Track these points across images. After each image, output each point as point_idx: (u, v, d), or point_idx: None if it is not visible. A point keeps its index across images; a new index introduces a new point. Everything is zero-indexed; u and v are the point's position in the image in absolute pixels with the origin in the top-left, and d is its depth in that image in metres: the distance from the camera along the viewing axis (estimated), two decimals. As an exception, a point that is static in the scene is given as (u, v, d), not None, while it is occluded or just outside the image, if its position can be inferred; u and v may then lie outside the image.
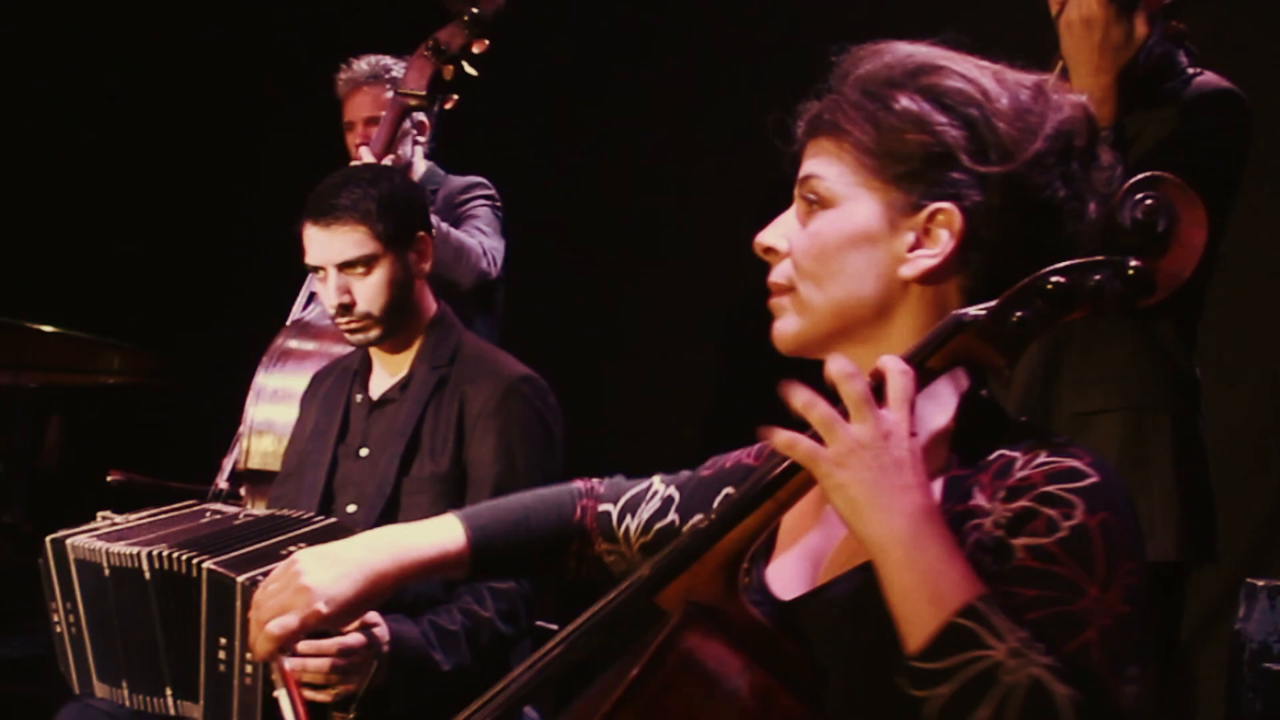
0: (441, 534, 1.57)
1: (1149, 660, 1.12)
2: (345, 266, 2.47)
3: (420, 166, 3.51)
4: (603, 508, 1.64)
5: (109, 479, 3.31)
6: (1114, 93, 2.11)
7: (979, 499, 1.19)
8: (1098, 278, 1.17)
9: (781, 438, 1.16)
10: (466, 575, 1.61)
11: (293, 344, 3.15)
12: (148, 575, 2.17)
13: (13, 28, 5.15)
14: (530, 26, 3.46)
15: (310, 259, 2.51)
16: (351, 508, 2.53)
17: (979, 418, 1.26)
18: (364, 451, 2.57)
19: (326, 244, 2.47)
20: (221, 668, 2.14)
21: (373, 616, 2.13)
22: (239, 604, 2.06)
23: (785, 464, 1.19)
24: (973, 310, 1.18)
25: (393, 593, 1.56)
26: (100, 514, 2.38)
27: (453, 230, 3.40)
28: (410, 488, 2.50)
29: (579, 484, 1.68)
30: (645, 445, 4.19)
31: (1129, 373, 2.29)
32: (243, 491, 3.18)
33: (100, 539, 2.26)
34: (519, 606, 2.41)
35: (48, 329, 3.91)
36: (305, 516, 2.34)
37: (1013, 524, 1.15)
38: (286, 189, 2.74)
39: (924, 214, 1.25)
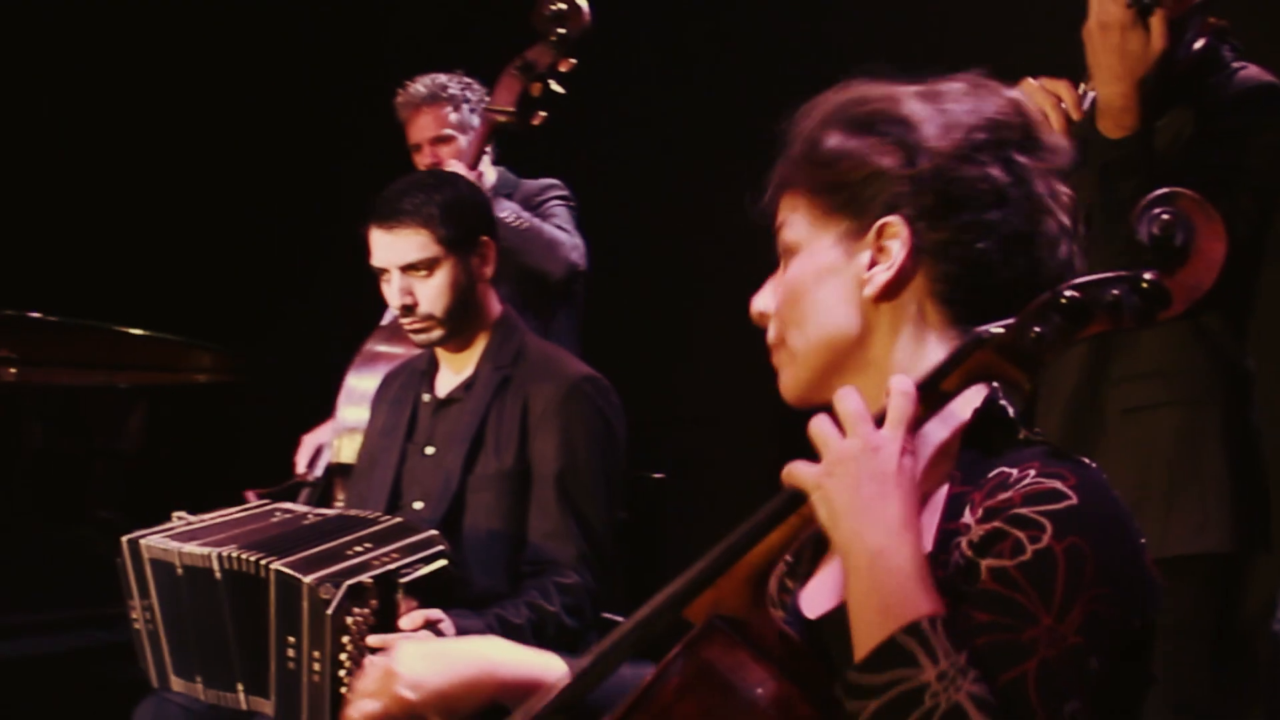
0: (544, 663, 1.56)
1: (1098, 693, 1.10)
2: (408, 269, 2.54)
3: (490, 174, 3.57)
4: None
5: (246, 498, 3.39)
6: (1135, 100, 2.12)
7: (967, 517, 1.18)
8: (1115, 292, 1.18)
9: (788, 466, 1.20)
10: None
11: (381, 347, 3.26)
12: (218, 574, 2.24)
13: (100, 34, 5.35)
14: (609, 37, 3.51)
15: (375, 261, 2.58)
16: (418, 504, 2.60)
17: (988, 433, 1.26)
18: (430, 449, 2.63)
19: (390, 246, 2.54)
20: (290, 665, 2.19)
21: (437, 614, 2.21)
22: (305, 604, 2.13)
23: (789, 494, 1.22)
24: (992, 328, 1.19)
25: (487, 694, 1.55)
26: (175, 514, 2.45)
27: (545, 224, 3.50)
28: (475, 485, 2.56)
29: None
30: (718, 440, 4.26)
31: (1179, 367, 2.29)
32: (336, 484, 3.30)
33: (173, 539, 2.33)
34: (584, 601, 2.46)
35: (137, 331, 4.03)
36: (371, 516, 2.40)
37: (982, 544, 1.14)
38: (368, 191, 2.82)
39: (872, 232, 1.27)
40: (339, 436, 3.25)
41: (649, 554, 2.90)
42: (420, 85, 3.69)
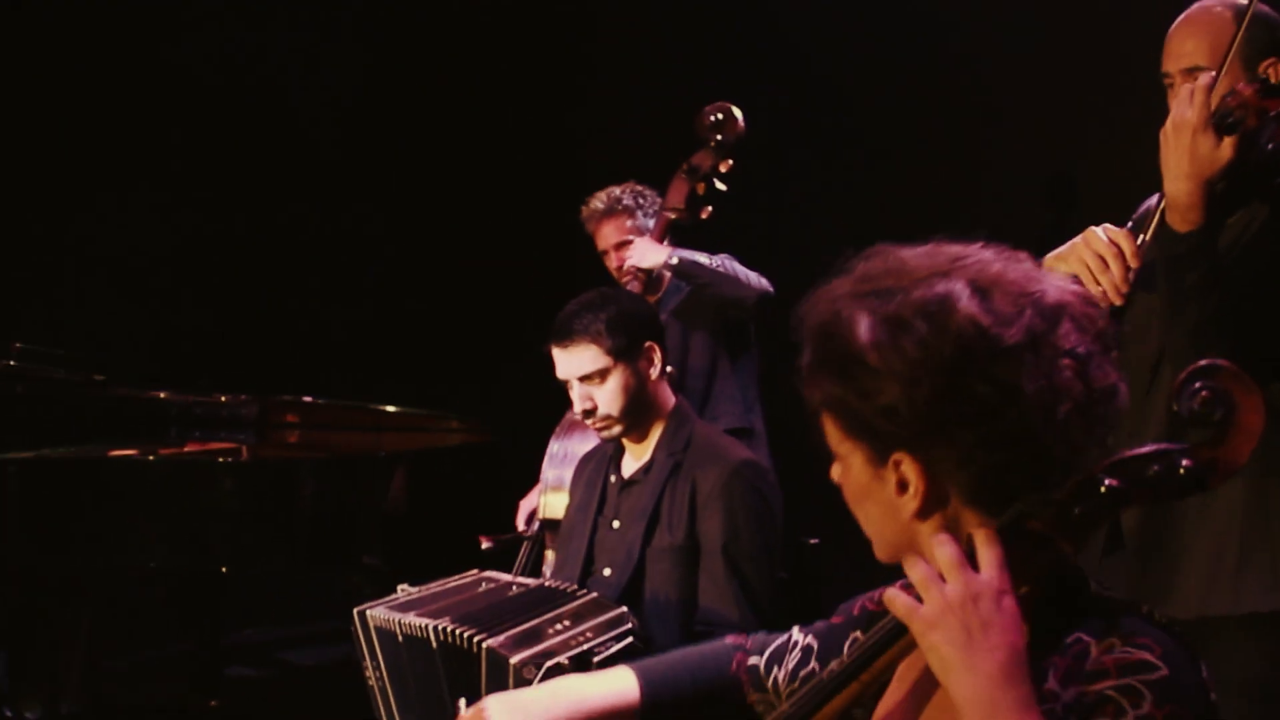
0: (618, 686, 1.70)
1: None
2: (584, 379, 2.84)
3: (698, 254, 3.89)
4: (752, 661, 1.71)
5: (482, 545, 3.78)
6: (1201, 198, 2.17)
7: (1052, 683, 1.22)
8: (1155, 469, 1.20)
9: (889, 592, 1.25)
10: None
11: (577, 418, 3.68)
12: (434, 645, 2.45)
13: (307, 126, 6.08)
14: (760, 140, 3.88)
15: (558, 374, 2.89)
16: (607, 571, 2.89)
17: (1059, 595, 1.28)
18: (616, 524, 2.93)
19: (567, 361, 2.86)
20: None
21: None
22: (511, 680, 2.30)
23: (894, 623, 1.27)
24: (1035, 500, 1.22)
25: None
26: (400, 587, 2.70)
27: (734, 263, 3.83)
28: (653, 557, 2.82)
29: (731, 639, 1.78)
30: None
31: None
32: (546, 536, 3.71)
33: (395, 610, 2.57)
34: None
35: (391, 409, 4.60)
36: (569, 590, 2.62)
37: (1087, 709, 1.19)
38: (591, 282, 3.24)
39: (889, 465, 1.29)
40: (544, 494, 3.64)
41: (808, 610, 3.16)
42: (598, 201, 4.09)
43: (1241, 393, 1.19)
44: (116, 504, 4.01)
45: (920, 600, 1.21)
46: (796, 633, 1.69)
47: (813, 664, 1.64)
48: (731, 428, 3.76)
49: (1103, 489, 1.19)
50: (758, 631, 1.80)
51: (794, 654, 1.67)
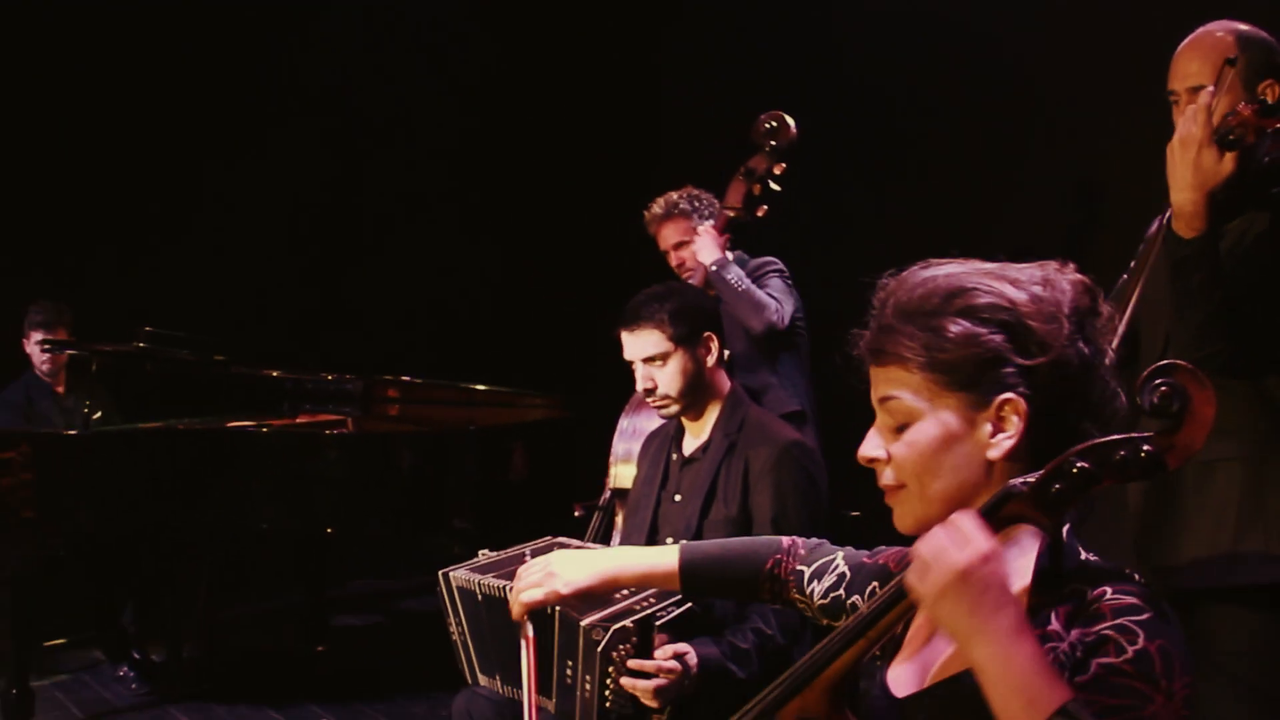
0: (661, 557, 1.95)
1: None
2: (647, 360, 3.03)
3: (731, 271, 4.16)
4: (799, 567, 1.91)
5: (575, 513, 4.03)
6: (1204, 207, 2.32)
7: (1055, 625, 1.35)
8: (1121, 454, 1.30)
9: (907, 579, 1.36)
10: (681, 590, 1.97)
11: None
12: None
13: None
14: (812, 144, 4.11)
15: (625, 355, 3.09)
16: (669, 540, 3.01)
17: (1056, 560, 1.41)
18: (678, 497, 3.08)
19: (632, 344, 3.06)
20: (568, 681, 2.49)
21: (684, 647, 2.57)
22: (581, 640, 2.43)
23: (885, 598, 1.42)
24: (1018, 483, 1.34)
25: (615, 589, 2.03)
26: (481, 551, 2.77)
27: (757, 290, 4.10)
28: (709, 528, 2.96)
29: (785, 541, 1.95)
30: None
31: (1248, 428, 2.46)
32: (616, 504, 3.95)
33: (476, 572, 2.66)
34: (795, 622, 2.81)
35: (480, 386, 4.86)
36: None
37: (1089, 647, 1.31)
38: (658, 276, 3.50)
39: (993, 407, 1.42)
40: (614, 466, 3.89)
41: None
42: (657, 206, 4.39)
43: (1196, 387, 1.27)
44: (234, 471, 4.32)
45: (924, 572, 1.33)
46: (840, 557, 1.89)
47: (840, 591, 1.84)
48: (784, 412, 4.00)
49: (1075, 470, 1.30)
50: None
51: (831, 575, 1.87)
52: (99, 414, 4.97)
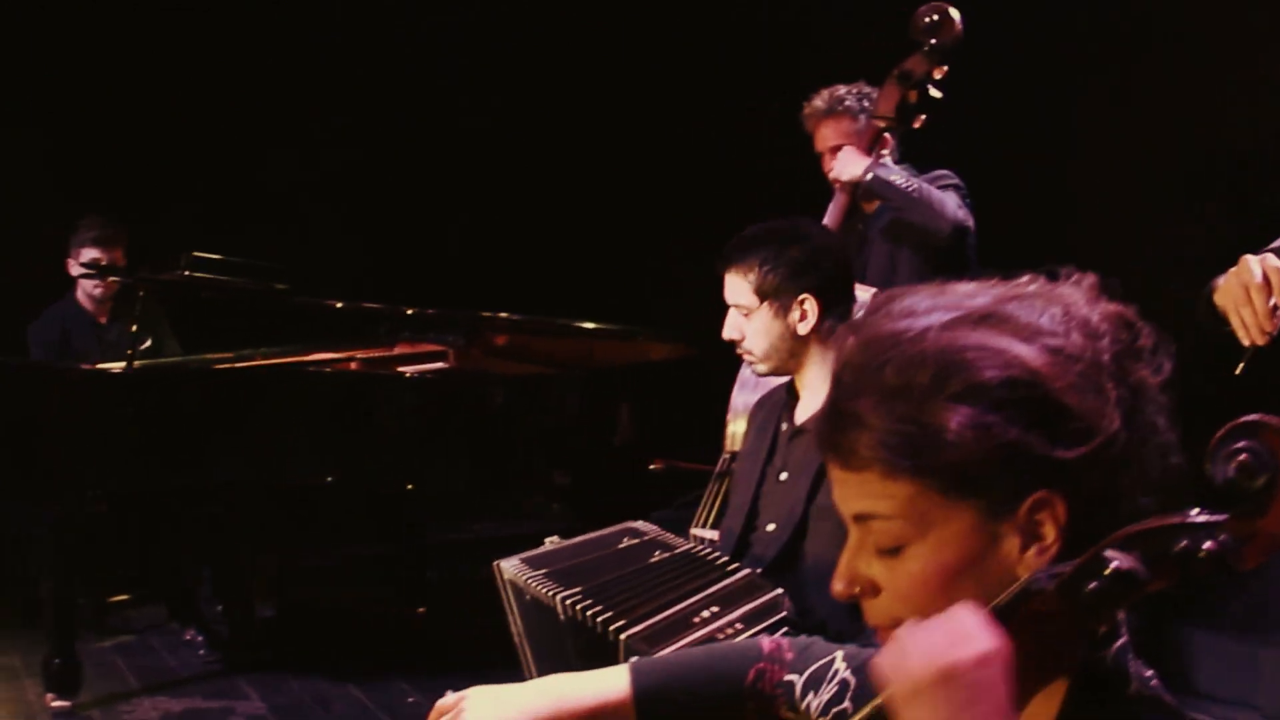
0: (606, 685, 1.58)
1: None
2: (735, 307, 2.75)
3: (895, 173, 3.63)
4: (788, 677, 1.58)
5: (651, 467, 3.67)
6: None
7: None
8: (1184, 544, 1.01)
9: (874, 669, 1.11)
10: None
11: None
12: (562, 617, 2.38)
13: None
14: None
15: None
16: (770, 526, 2.74)
17: (1089, 693, 1.13)
18: (784, 475, 2.77)
19: (726, 285, 2.76)
20: None
21: None
22: None
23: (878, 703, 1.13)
24: (1042, 575, 1.06)
25: None
26: (547, 539, 2.67)
27: (933, 190, 3.60)
28: (816, 514, 2.64)
29: (766, 645, 1.63)
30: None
31: None
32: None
33: (527, 565, 2.52)
34: None
35: (589, 325, 4.48)
36: (719, 563, 2.51)
37: None
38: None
39: (1021, 513, 1.10)
40: (732, 423, 3.45)
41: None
42: (819, 100, 3.82)
43: None
44: (279, 416, 4.03)
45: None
46: (839, 660, 1.56)
47: (846, 703, 1.52)
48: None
49: (1110, 571, 1.02)
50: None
51: (832, 685, 1.55)
52: (148, 343, 4.56)
